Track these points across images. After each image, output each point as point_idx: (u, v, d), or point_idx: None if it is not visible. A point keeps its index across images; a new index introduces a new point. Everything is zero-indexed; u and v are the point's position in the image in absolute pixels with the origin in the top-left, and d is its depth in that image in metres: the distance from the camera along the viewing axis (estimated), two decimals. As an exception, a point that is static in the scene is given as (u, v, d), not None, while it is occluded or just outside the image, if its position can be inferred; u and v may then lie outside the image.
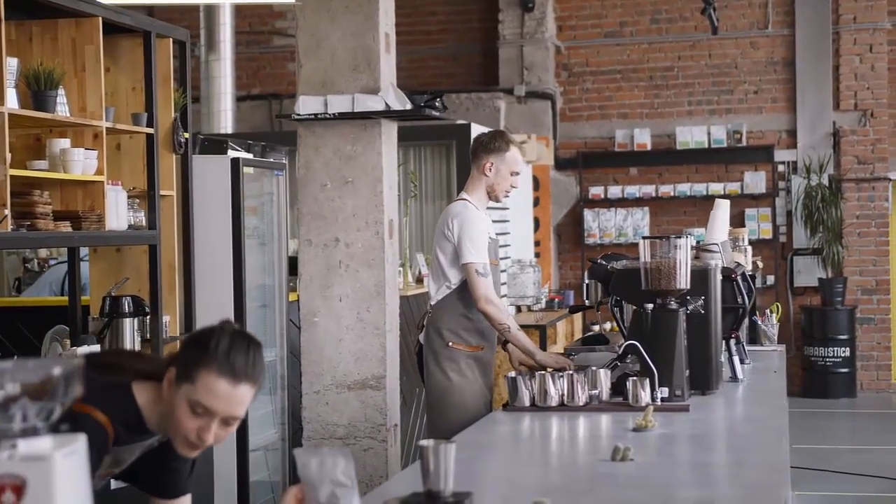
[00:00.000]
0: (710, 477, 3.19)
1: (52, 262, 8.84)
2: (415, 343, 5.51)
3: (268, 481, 6.68)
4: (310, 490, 2.52)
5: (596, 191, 12.84)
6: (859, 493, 8.16)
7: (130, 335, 5.30)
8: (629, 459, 3.23)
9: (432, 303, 5.25)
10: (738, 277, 5.05)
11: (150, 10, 12.67)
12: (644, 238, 4.42)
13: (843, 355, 12.14)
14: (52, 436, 1.75)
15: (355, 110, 5.73)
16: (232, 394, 2.54)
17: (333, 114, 5.73)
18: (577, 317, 11.18)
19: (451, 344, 5.14)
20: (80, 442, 1.76)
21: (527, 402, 4.24)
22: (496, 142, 5.24)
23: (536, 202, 12.33)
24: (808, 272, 12.49)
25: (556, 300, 10.94)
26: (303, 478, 2.47)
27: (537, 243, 12.31)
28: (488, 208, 5.39)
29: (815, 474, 8.64)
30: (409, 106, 5.80)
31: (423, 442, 2.71)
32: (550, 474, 3.32)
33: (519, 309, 10.26)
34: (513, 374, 4.34)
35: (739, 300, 4.98)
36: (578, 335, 10.41)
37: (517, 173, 5.26)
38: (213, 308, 6.14)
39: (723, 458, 3.51)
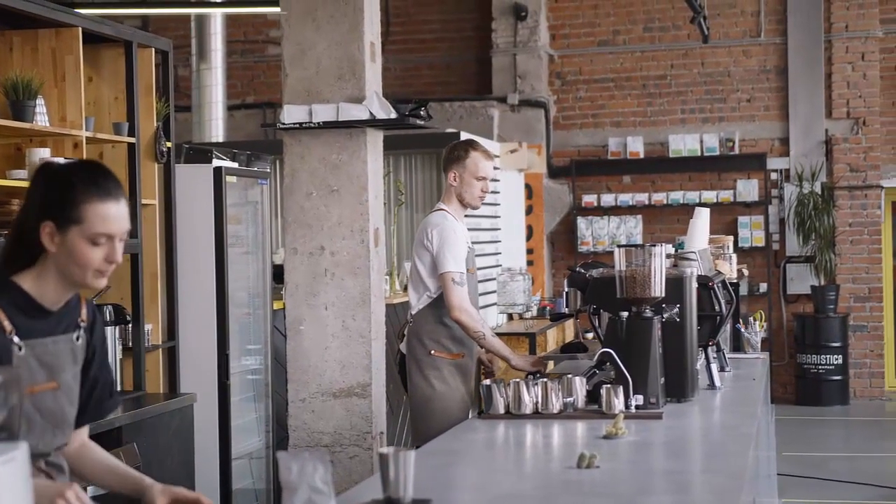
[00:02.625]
0: (672, 484, 3.20)
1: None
2: (396, 353, 5.55)
3: (252, 489, 6.69)
4: (288, 494, 2.56)
5: (589, 199, 12.86)
6: (850, 500, 8.16)
7: (112, 344, 5.31)
8: (595, 467, 3.25)
9: (413, 312, 5.34)
10: (717, 285, 5.06)
11: (144, 20, 12.73)
12: (619, 246, 4.43)
13: (835, 363, 12.15)
14: (-10, 443, 1.77)
15: (340, 119, 5.75)
16: (120, 212, 2.68)
17: (318, 123, 5.75)
18: (569, 324, 11.20)
19: (432, 352, 5.24)
20: (19, 450, 1.78)
21: (501, 410, 4.25)
22: (456, 151, 5.39)
23: (529, 210, 12.35)
24: (800, 280, 12.50)
25: (549, 308, 10.96)
26: (283, 481, 2.53)
27: (530, 251, 12.33)
28: (467, 216, 5.44)
29: (805, 482, 8.64)
30: (393, 115, 5.82)
31: (383, 449, 2.73)
32: (515, 481, 3.33)
33: (510, 317, 10.28)
34: (488, 381, 4.36)
35: (717, 308, 4.98)
36: (570, 343, 10.41)
37: (483, 178, 5.34)
38: (197, 316, 6.17)
39: (687, 466, 3.52)
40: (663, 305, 4.47)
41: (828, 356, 12.13)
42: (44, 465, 2.71)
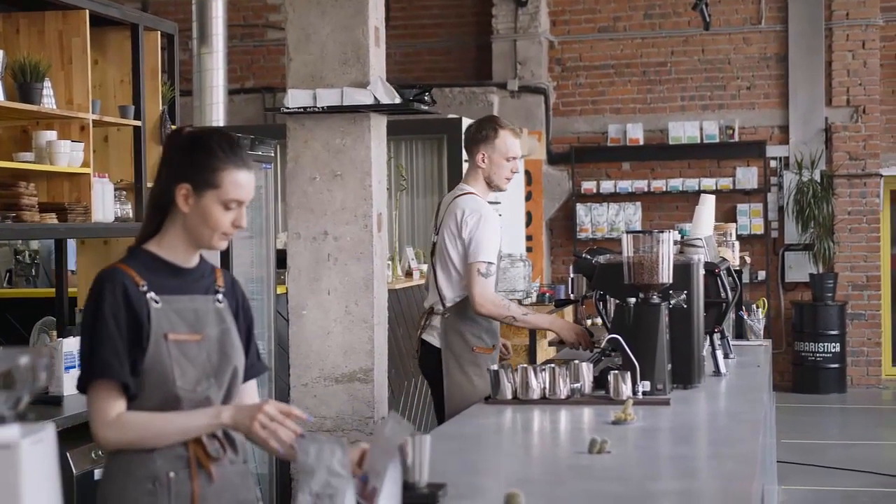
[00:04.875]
0: (684, 469, 3.21)
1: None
2: (416, 344, 5.30)
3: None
4: (306, 477, 2.57)
5: (588, 185, 12.87)
6: (848, 487, 8.19)
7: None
8: (606, 452, 3.25)
9: (447, 304, 5.09)
10: (723, 272, 5.06)
11: (144, 3, 12.69)
12: (627, 232, 4.42)
13: (833, 351, 12.18)
14: (19, 424, 1.76)
15: (344, 104, 5.74)
16: (250, 181, 2.85)
17: (322, 107, 5.74)
18: (569, 311, 11.21)
19: (475, 349, 5.04)
20: (47, 431, 1.78)
21: (509, 395, 4.25)
22: (483, 130, 5.15)
23: (529, 196, 12.35)
24: (799, 268, 12.52)
25: (548, 294, 10.97)
26: (301, 464, 2.55)
27: (529, 237, 12.33)
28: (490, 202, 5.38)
29: (803, 468, 8.67)
30: (397, 100, 5.81)
31: (399, 433, 2.73)
32: (527, 466, 3.34)
33: (510, 303, 10.27)
34: (495, 366, 4.36)
35: (723, 295, 4.99)
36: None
37: (514, 158, 5.13)
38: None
39: (698, 451, 3.53)
40: (671, 292, 4.47)
41: (825, 344, 12.16)
42: (221, 435, 2.85)
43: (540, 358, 8.94)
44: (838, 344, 12.18)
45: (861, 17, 12.45)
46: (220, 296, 2.92)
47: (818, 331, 12.17)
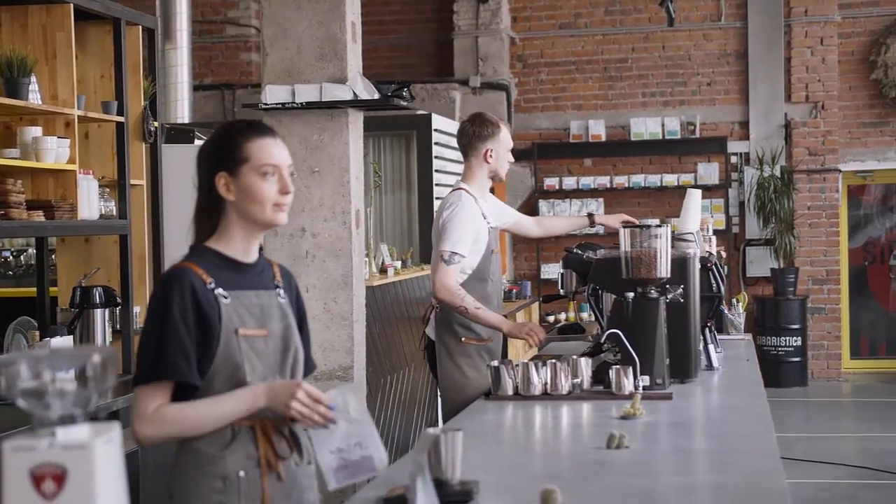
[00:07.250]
0: (706, 464, 3.21)
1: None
2: (420, 338, 5.32)
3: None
4: (321, 435, 2.54)
5: (551, 182, 12.88)
6: (816, 479, 8.26)
7: (101, 326, 5.23)
8: (624, 447, 3.24)
9: (438, 297, 5.10)
10: (713, 266, 5.08)
11: (101, -1, 12.53)
12: (625, 227, 4.42)
13: (794, 344, 12.28)
14: (89, 424, 1.72)
15: (323, 99, 5.70)
16: (279, 146, 2.85)
17: (301, 103, 5.70)
18: (535, 307, 11.23)
19: (463, 340, 5.09)
20: (115, 430, 1.74)
21: (510, 391, 4.24)
22: (487, 127, 5.21)
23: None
24: (760, 262, 12.62)
25: (514, 291, 10.98)
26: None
27: (493, 234, 12.32)
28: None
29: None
30: (376, 95, 5.79)
31: (432, 430, 2.70)
32: (549, 462, 3.32)
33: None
34: (496, 362, 4.34)
35: (715, 288, 5.01)
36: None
37: (510, 148, 5.30)
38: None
39: (714, 446, 3.52)
40: (667, 286, 4.46)
41: (787, 338, 12.26)
42: (287, 433, 2.82)
43: (510, 355, 8.93)
44: (799, 338, 12.30)
45: (819, 14, 12.57)
46: (281, 291, 2.91)
47: (780, 325, 12.27)
